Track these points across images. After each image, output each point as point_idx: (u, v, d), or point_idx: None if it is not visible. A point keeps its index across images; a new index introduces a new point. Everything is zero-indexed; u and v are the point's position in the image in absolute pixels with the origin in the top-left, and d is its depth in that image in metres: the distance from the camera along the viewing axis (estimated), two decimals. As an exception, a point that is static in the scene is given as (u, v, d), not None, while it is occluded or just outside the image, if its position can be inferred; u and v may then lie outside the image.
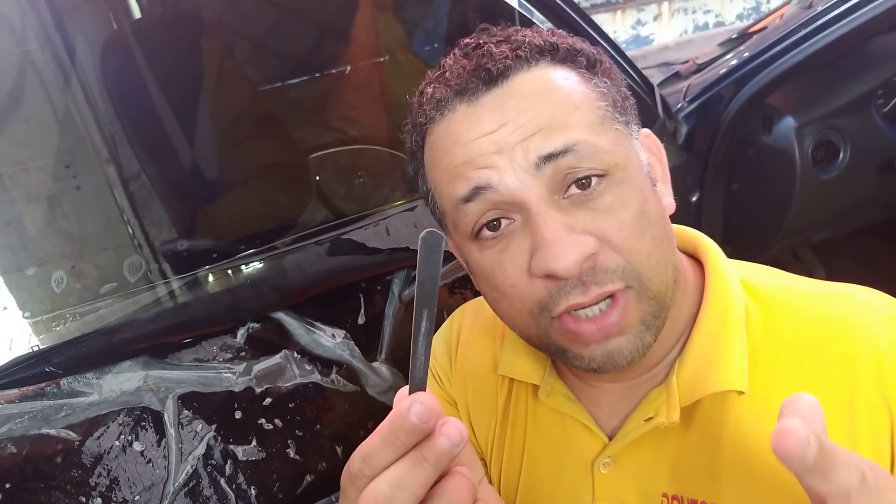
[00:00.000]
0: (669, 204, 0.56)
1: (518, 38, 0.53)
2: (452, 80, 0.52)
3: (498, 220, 0.51)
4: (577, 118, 0.50)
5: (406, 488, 0.35)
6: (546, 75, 0.52)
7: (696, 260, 0.62)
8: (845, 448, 0.34)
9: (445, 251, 0.39)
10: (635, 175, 0.52)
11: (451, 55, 0.56)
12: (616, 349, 0.50)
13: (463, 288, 1.10)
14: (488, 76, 0.51)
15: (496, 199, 0.50)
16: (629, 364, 0.51)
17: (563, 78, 0.52)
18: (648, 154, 0.57)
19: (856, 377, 0.50)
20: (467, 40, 0.56)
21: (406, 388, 0.37)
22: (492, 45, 0.52)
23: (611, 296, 0.49)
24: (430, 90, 0.55)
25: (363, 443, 0.37)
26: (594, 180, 0.50)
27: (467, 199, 0.51)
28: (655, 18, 5.72)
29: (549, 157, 0.48)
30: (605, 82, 0.54)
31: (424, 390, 0.36)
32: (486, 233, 0.52)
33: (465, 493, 0.36)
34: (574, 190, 0.50)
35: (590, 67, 0.54)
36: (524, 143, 0.49)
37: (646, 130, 0.58)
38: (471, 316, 0.77)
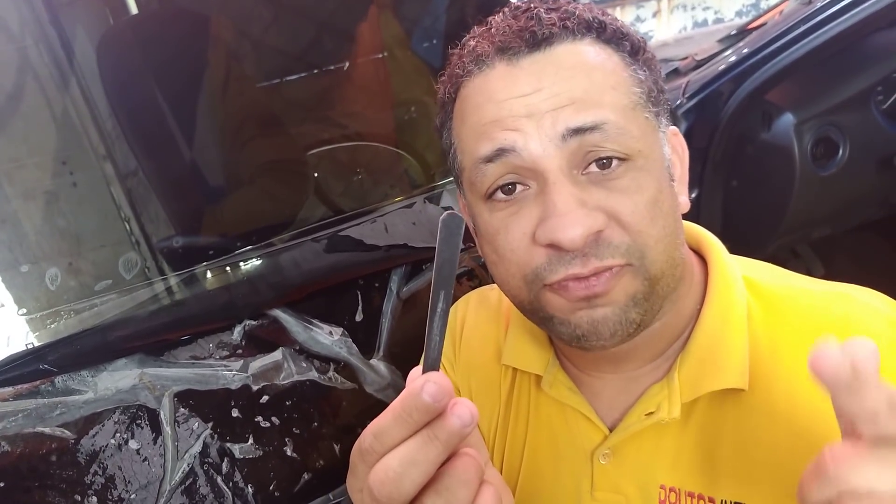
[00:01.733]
0: (683, 202, 0.57)
1: (569, 8, 0.53)
2: (497, 36, 0.53)
3: (513, 184, 0.52)
4: (611, 99, 0.50)
5: (416, 465, 0.35)
6: (589, 51, 0.52)
7: (700, 256, 0.62)
8: None
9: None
10: (655, 166, 0.52)
11: (501, 13, 0.56)
12: (601, 318, 0.51)
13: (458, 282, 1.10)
14: (533, 39, 0.51)
15: (516, 164, 0.51)
16: (612, 337, 0.51)
17: (605, 57, 0.52)
18: (672, 151, 0.57)
19: None
20: (518, 3, 0.56)
21: (419, 367, 0.37)
22: (541, 10, 0.52)
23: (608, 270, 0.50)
24: (472, 43, 0.55)
25: (375, 420, 0.37)
26: (615, 162, 0.50)
27: (489, 159, 0.52)
28: (654, 15, 5.70)
29: (577, 131, 0.49)
30: (645, 71, 0.54)
31: (438, 370, 0.36)
32: (500, 195, 0.53)
33: (473, 474, 0.37)
34: (594, 168, 0.50)
35: (633, 53, 0.54)
36: (555, 112, 0.49)
37: (674, 128, 0.58)
38: (475, 304, 0.77)
